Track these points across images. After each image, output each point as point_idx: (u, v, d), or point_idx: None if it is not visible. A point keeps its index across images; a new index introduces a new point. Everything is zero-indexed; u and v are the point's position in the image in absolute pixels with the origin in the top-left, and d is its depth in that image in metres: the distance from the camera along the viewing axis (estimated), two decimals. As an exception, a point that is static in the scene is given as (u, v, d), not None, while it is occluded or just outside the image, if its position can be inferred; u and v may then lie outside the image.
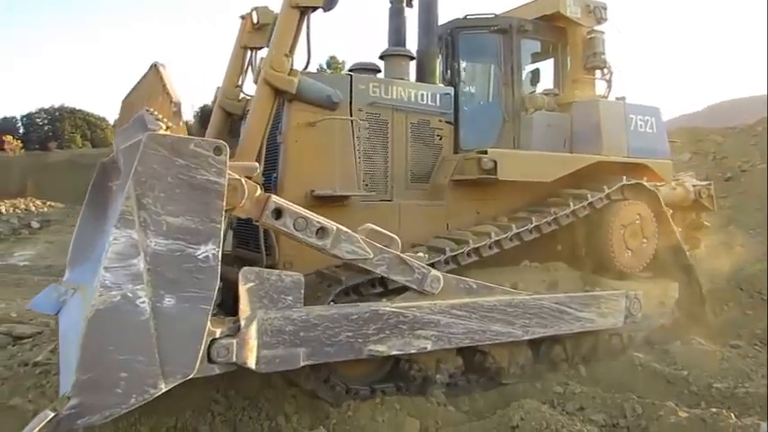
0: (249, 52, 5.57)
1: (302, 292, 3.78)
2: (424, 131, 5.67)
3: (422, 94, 5.62)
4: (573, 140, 6.03)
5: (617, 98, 6.19)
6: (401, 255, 4.18)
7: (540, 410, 4.18)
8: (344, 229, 3.94)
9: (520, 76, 6.12)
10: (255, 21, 5.56)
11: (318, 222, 3.83)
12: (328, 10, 4.56)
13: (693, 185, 7.24)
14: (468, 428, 4.27)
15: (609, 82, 6.20)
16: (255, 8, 5.35)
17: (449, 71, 6.17)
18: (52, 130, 49.69)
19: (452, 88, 5.95)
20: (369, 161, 5.32)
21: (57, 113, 50.87)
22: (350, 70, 5.91)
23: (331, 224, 3.88)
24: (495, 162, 5.14)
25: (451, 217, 5.54)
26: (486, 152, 5.18)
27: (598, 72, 6.24)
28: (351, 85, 5.17)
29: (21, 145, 42.48)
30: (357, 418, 4.24)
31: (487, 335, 4.56)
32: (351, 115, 5.13)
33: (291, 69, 4.75)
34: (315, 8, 4.51)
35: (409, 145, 5.56)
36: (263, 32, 5.40)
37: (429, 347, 4.25)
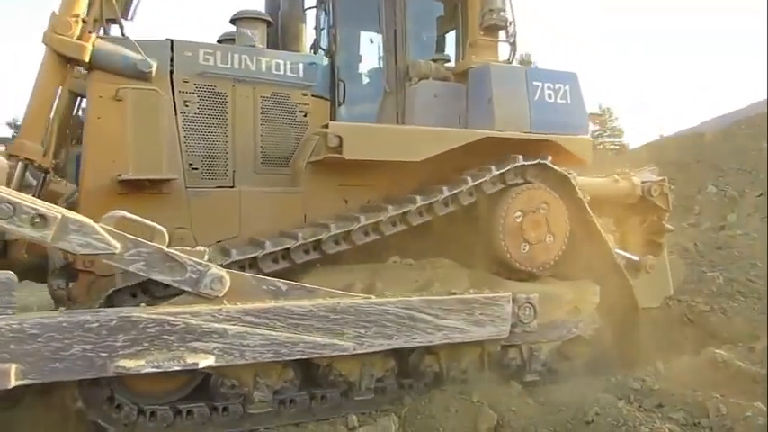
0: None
1: (14, 294, 3.06)
2: (281, 106, 4.86)
3: (277, 64, 4.81)
4: (468, 114, 5.08)
5: (521, 62, 5.20)
6: (165, 249, 3.40)
7: (617, 406, 4.02)
8: (77, 217, 3.19)
9: (405, 40, 5.22)
10: None
11: (34, 209, 3.09)
12: None
13: (643, 181, 6.17)
14: (542, 421, 4.09)
15: (513, 45, 5.20)
16: None
17: (327, 37, 5.35)
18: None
19: (326, 57, 5.15)
20: (200, 141, 4.55)
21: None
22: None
23: (55, 211, 3.13)
24: (341, 138, 4.27)
25: (310, 207, 4.70)
26: (327, 126, 4.32)
27: (502, 34, 5.26)
28: (172, 52, 4.42)
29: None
30: (430, 406, 4.13)
31: (300, 347, 3.72)
32: (172, 86, 4.39)
33: (86, 33, 4.07)
34: None
35: (259, 122, 4.77)
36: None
37: (206, 364, 3.45)
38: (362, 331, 3.89)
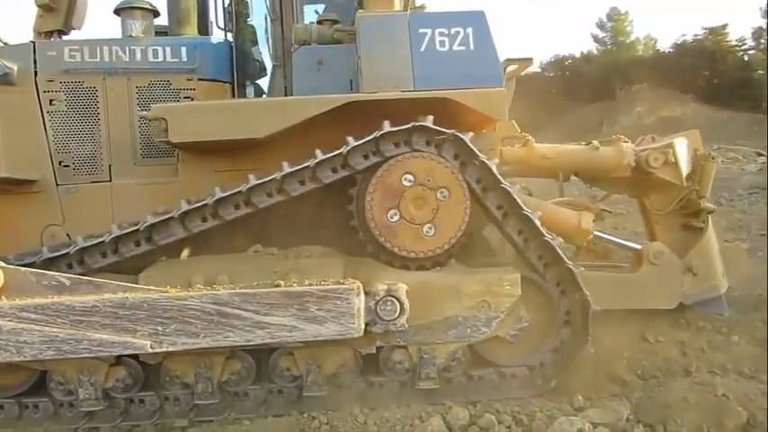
0: None
1: None
2: (162, 95, 4.68)
3: (154, 51, 4.66)
4: (359, 77, 4.40)
5: (413, 7, 4.34)
6: None
7: None
8: None
9: (293, 6, 4.70)
10: None
11: None
12: None
13: (642, 149, 4.88)
14: None
15: (409, -11, 4.37)
16: None
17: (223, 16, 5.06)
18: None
19: (213, 37, 4.92)
20: (70, 138, 4.57)
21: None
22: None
23: None
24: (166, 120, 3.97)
25: (188, 196, 4.46)
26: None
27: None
28: (34, 54, 4.51)
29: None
30: (666, 396, 3.86)
31: (85, 345, 3.50)
32: (37, 87, 4.48)
33: None
34: None
35: (136, 113, 4.65)
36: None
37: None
38: (160, 328, 3.55)
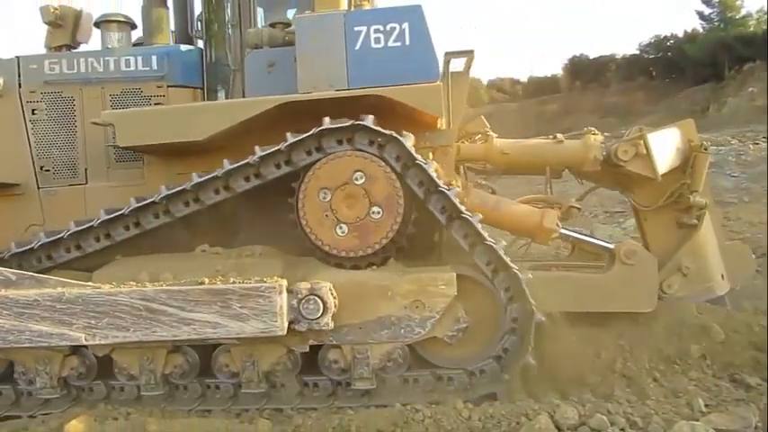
0: None
1: None
2: (134, 102, 4.93)
3: (127, 60, 4.92)
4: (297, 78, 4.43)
5: (355, 5, 4.32)
6: None
7: None
8: None
9: (251, 11, 4.81)
10: None
11: None
12: None
13: (616, 143, 4.63)
14: None
15: (351, -15, 4.36)
16: None
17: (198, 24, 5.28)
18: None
19: (183, 45, 5.08)
20: (50, 145, 4.92)
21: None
22: None
23: None
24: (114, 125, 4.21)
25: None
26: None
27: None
28: (18, 68, 4.89)
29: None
30: None
31: (27, 336, 3.78)
32: (20, 99, 4.87)
33: None
34: None
35: (110, 120, 4.93)
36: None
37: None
38: (93, 322, 3.76)
